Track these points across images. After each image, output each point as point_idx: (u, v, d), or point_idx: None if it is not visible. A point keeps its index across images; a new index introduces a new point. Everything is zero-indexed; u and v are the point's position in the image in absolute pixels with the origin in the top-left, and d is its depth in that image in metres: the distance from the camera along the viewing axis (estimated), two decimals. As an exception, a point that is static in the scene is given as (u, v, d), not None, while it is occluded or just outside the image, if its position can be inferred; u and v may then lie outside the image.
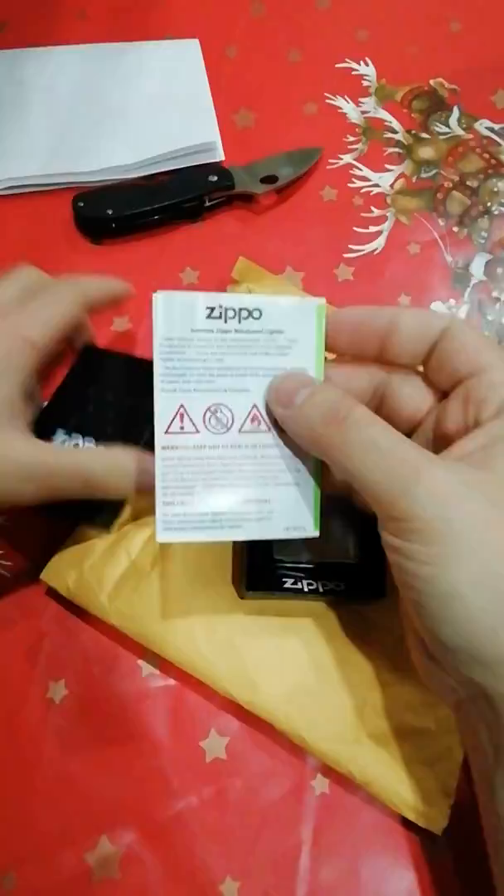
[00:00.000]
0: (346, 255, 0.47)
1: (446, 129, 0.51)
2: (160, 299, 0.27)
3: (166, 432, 0.28)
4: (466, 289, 0.46)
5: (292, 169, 0.48)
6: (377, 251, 0.47)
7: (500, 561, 0.23)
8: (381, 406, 0.30)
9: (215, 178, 0.46)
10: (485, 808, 0.26)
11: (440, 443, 0.28)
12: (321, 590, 0.33)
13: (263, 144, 0.49)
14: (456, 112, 0.52)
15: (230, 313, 0.28)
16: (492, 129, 0.51)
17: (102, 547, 0.35)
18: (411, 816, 0.32)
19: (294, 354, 0.28)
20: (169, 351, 0.27)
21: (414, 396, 0.29)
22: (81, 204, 0.45)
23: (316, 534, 0.29)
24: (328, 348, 0.29)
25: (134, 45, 0.53)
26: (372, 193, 0.49)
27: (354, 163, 0.50)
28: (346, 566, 0.33)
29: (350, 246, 0.47)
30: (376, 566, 0.33)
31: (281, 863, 0.32)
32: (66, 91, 0.50)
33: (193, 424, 0.28)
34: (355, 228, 0.47)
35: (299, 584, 0.33)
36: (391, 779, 0.32)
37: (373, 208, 0.48)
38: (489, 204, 0.49)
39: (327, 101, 0.52)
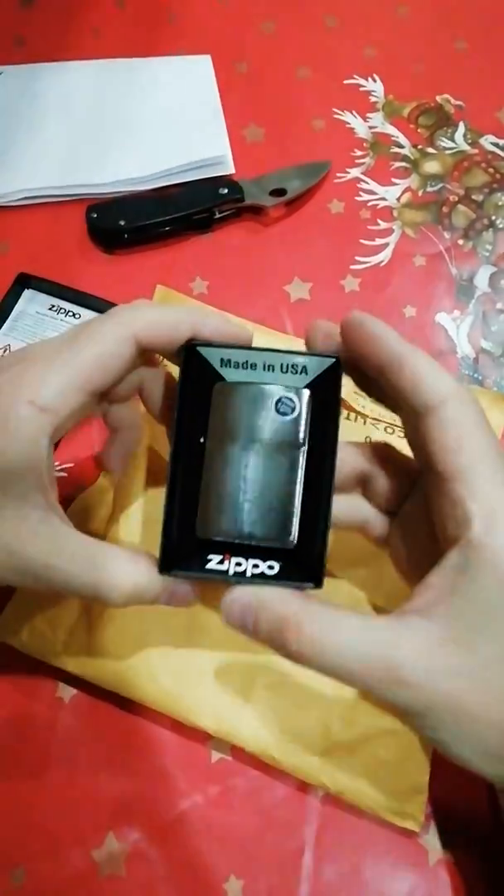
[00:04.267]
0: (352, 267, 0.47)
1: (452, 145, 0.52)
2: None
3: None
4: (471, 300, 0.47)
5: (301, 182, 0.49)
6: (383, 263, 0.48)
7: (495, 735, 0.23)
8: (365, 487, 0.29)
9: (225, 191, 0.47)
10: None
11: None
12: (249, 573, 0.27)
13: (272, 158, 0.50)
14: (462, 128, 0.53)
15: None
16: (496, 145, 0.52)
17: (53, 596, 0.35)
18: (388, 817, 0.32)
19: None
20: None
21: (389, 485, 0.28)
22: (95, 215, 0.46)
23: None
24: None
25: (147, 61, 0.54)
26: (378, 207, 0.50)
27: (362, 177, 0.51)
28: (281, 552, 0.27)
29: (357, 258, 0.48)
30: (315, 551, 0.26)
31: (284, 862, 0.32)
32: (80, 105, 0.52)
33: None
34: (362, 241, 0.48)
35: (225, 563, 0.27)
36: (363, 784, 0.32)
37: (379, 221, 0.49)
38: (494, 217, 0.50)
39: (335, 116, 0.53)
